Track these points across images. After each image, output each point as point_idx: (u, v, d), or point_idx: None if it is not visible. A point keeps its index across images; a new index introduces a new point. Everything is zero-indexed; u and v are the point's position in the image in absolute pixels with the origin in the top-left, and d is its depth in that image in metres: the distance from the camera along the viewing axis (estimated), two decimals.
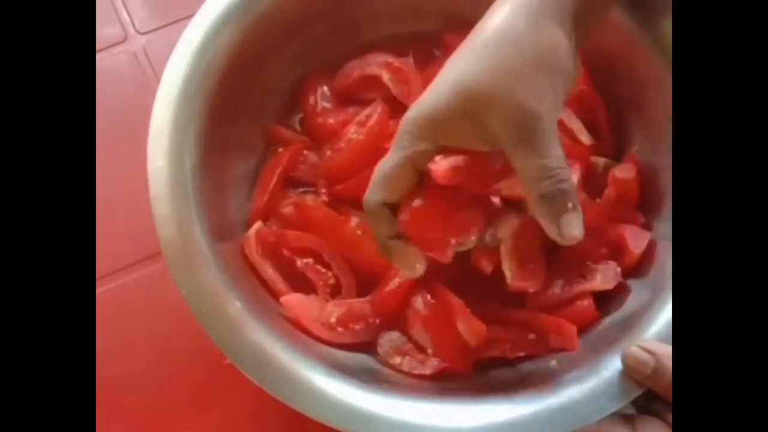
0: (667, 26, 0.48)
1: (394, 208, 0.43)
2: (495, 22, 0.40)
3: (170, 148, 0.45)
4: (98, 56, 0.62)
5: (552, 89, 0.39)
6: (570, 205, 0.39)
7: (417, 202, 0.42)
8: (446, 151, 0.42)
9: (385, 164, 0.42)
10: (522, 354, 0.47)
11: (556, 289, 0.47)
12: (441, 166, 0.43)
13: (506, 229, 0.45)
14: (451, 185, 0.43)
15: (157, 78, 0.50)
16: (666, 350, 0.39)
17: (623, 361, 0.40)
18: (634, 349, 0.40)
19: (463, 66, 0.40)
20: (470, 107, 0.39)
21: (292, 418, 0.39)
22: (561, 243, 0.39)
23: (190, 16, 0.48)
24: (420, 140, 0.40)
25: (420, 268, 0.43)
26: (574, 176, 0.48)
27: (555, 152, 0.39)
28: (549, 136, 0.38)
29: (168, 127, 0.45)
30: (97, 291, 0.54)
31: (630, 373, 0.40)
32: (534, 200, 0.39)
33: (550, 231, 0.39)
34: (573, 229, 0.39)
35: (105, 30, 0.63)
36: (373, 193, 0.42)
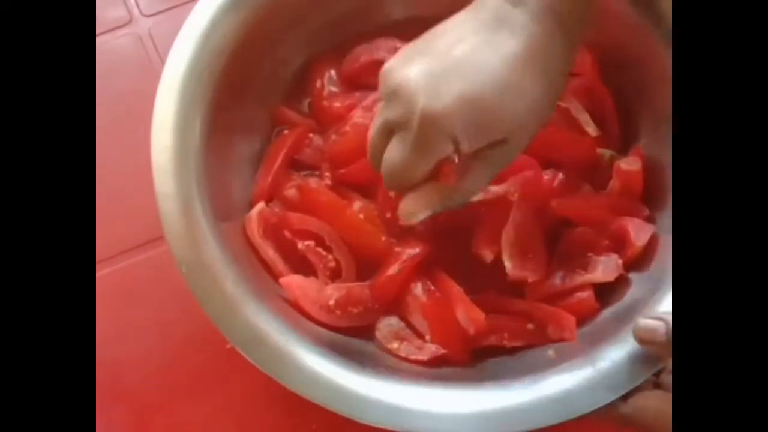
0: None
1: None
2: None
3: (175, 127, 0.45)
4: (102, 39, 0.61)
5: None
6: (437, 207, 0.42)
7: None
8: None
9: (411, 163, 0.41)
10: (520, 343, 0.47)
11: (557, 279, 0.47)
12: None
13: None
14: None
15: (162, 62, 0.50)
16: None
17: (635, 336, 0.39)
18: (643, 320, 0.39)
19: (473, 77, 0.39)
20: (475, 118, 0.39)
21: (293, 402, 0.39)
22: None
23: None
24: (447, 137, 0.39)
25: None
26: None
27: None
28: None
29: (173, 107, 0.45)
30: (98, 274, 0.54)
31: (644, 344, 0.39)
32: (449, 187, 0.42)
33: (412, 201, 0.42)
34: (407, 208, 0.42)
35: (109, 12, 0.62)
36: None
